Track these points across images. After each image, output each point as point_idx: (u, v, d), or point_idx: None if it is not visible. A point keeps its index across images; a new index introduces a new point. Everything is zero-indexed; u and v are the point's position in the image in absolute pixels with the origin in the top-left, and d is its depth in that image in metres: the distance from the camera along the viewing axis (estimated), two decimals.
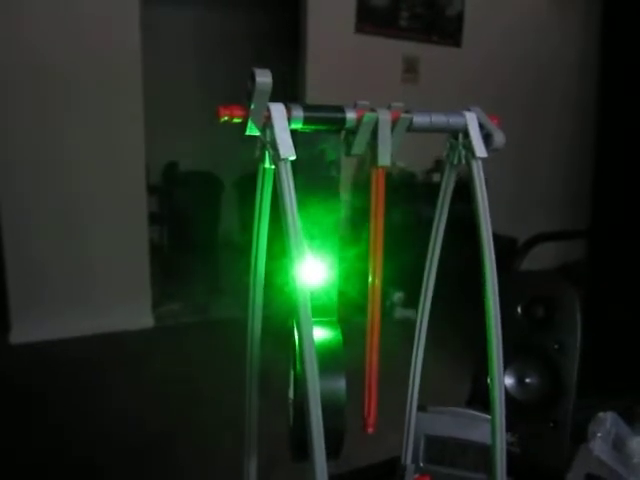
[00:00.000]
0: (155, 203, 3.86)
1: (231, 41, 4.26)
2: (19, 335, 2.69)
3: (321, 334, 0.36)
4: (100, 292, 2.88)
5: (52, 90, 2.62)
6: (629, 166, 3.69)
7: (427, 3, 3.46)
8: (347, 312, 0.45)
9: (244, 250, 0.43)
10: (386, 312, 3.15)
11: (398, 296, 3.17)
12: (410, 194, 3.07)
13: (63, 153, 2.70)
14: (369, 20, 3.33)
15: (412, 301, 2.99)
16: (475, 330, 0.50)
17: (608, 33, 3.94)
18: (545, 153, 4.10)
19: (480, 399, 0.65)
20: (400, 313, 3.12)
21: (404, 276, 2.53)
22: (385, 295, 3.16)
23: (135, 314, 2.96)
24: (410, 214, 2.97)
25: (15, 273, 2.67)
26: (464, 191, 0.39)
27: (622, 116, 3.79)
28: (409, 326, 0.48)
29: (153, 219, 3.40)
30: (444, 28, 3.54)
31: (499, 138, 0.37)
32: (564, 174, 4.23)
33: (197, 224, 3.80)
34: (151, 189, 3.25)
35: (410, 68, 3.45)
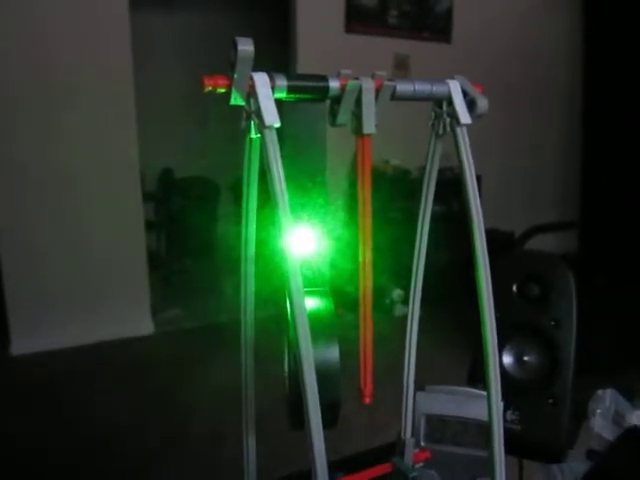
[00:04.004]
0: (151, 210, 3.86)
1: (222, 44, 4.27)
2: (20, 346, 2.68)
3: (313, 304, 0.37)
4: (100, 301, 2.87)
5: (46, 101, 2.63)
6: (616, 157, 3.72)
7: (415, 0, 3.47)
8: (339, 282, 0.46)
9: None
10: (386, 309, 3.15)
11: (398, 293, 3.17)
12: (405, 191, 3.08)
13: (60, 165, 2.69)
14: (359, 20, 3.34)
15: None
16: (472, 312, 0.50)
17: (591, 22, 3.98)
18: (536, 147, 4.12)
19: (479, 378, 0.65)
20: (400, 310, 3.12)
21: (403, 273, 2.54)
22: (385, 293, 3.16)
23: (135, 321, 2.96)
24: (406, 211, 2.98)
25: (14, 284, 2.67)
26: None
27: (608, 109, 3.82)
28: None
29: (150, 226, 3.39)
30: (434, 25, 3.56)
31: (482, 104, 0.37)
32: (554, 169, 4.25)
33: (194, 229, 3.80)
34: (147, 196, 3.25)
35: (401, 66, 3.46)
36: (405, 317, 0.49)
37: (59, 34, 2.60)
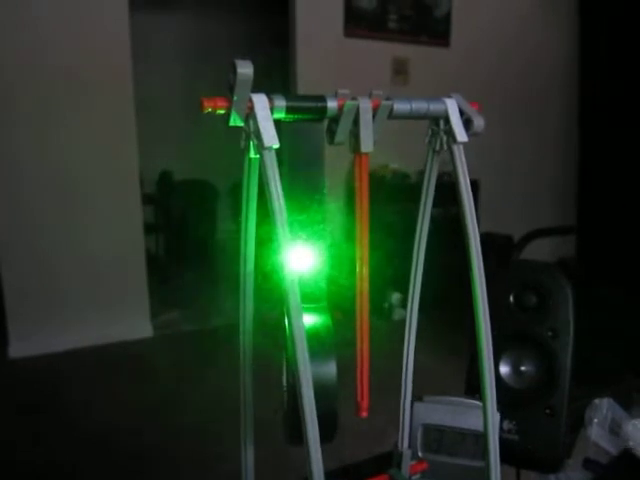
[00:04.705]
0: (150, 213, 3.86)
1: (221, 49, 4.28)
2: (18, 349, 2.69)
3: (310, 320, 0.37)
4: (98, 303, 2.88)
5: (46, 103, 2.63)
6: (614, 162, 3.73)
7: (415, 5, 3.48)
8: (336, 299, 0.46)
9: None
10: (385, 314, 3.15)
11: (396, 297, 3.17)
12: (405, 195, 3.08)
13: (60, 168, 2.70)
14: (358, 24, 3.35)
15: None
16: (470, 319, 0.50)
17: (588, 27, 3.99)
18: (535, 152, 4.13)
19: (477, 388, 0.65)
20: (399, 314, 3.12)
21: (402, 277, 2.53)
22: (383, 297, 3.16)
23: (134, 324, 2.96)
24: (405, 215, 2.98)
25: (13, 286, 2.67)
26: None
27: (606, 114, 3.83)
28: None
29: (149, 228, 3.40)
30: (433, 29, 3.57)
31: (479, 122, 0.38)
32: (552, 173, 4.26)
33: (193, 232, 3.81)
34: (146, 199, 3.26)
35: (400, 70, 3.47)
36: (404, 321, 0.49)
37: (59, 35, 2.61)
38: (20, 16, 2.52)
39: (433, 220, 0.47)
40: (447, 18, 3.59)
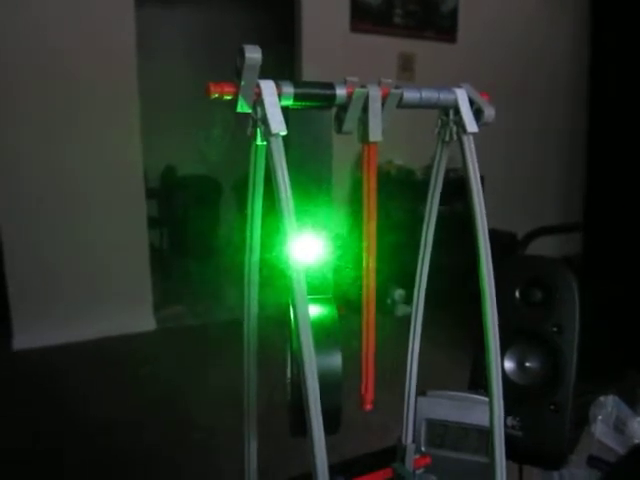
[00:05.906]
0: (154, 207, 3.87)
1: (226, 43, 4.26)
2: (22, 341, 2.69)
3: (316, 311, 0.37)
4: (102, 296, 2.88)
5: (49, 98, 2.63)
6: (621, 159, 3.70)
7: (420, 0, 3.47)
8: (341, 291, 0.46)
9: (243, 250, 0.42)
10: (388, 309, 3.15)
11: (399, 293, 3.17)
12: (409, 191, 3.07)
13: (63, 161, 2.70)
14: (364, 18, 3.34)
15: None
16: (475, 315, 0.50)
17: (597, 23, 3.96)
18: (540, 149, 4.11)
19: (481, 383, 0.65)
20: (402, 310, 3.12)
21: (405, 273, 2.54)
22: (386, 292, 3.16)
23: (137, 317, 2.96)
24: (409, 211, 2.97)
25: (17, 279, 2.67)
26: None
27: (613, 110, 3.80)
28: None
29: (152, 223, 3.40)
30: (439, 24, 3.55)
31: (489, 112, 0.37)
32: (558, 170, 4.24)
33: (196, 227, 3.81)
34: (150, 193, 3.26)
35: (406, 65, 3.46)
36: (407, 317, 0.48)
37: (61, 32, 2.60)
38: (20, 16, 2.51)
39: (438, 217, 0.46)
40: (453, 13, 3.58)
